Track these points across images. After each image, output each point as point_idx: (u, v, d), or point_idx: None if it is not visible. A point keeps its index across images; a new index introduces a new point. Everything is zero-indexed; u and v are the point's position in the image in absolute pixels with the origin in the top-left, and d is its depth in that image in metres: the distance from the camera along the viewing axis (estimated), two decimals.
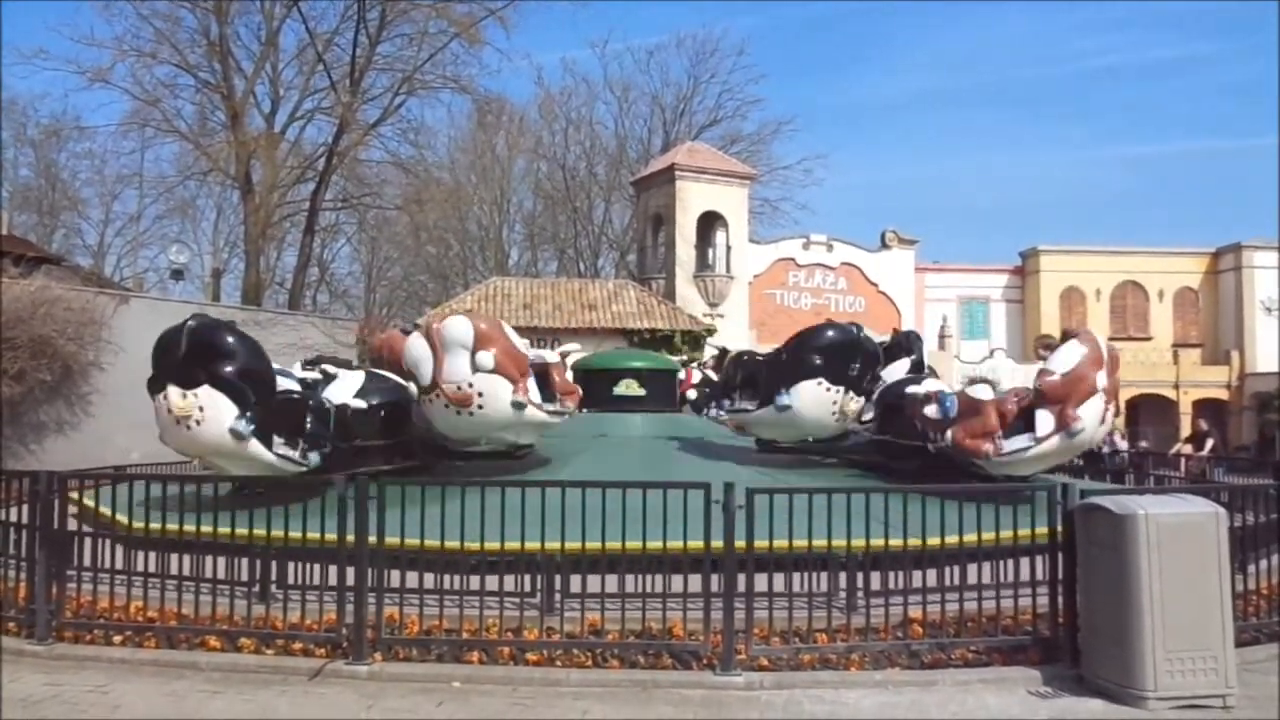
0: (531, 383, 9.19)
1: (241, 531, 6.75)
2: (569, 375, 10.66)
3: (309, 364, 10.36)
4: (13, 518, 7.30)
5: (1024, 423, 8.67)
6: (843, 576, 6.84)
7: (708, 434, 12.01)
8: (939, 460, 9.08)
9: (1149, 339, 38.03)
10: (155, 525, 7.15)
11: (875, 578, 6.79)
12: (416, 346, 9.09)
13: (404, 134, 32.17)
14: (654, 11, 74.77)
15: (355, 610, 6.30)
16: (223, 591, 6.92)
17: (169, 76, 29.14)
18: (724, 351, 12.09)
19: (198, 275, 43.08)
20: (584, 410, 11.32)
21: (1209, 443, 19.43)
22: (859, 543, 6.59)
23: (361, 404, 9.19)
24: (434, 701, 5.81)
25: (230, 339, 8.20)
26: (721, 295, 33.36)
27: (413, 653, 6.38)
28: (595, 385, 11.94)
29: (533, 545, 6.64)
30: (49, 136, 40.55)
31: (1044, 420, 8.53)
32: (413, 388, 9.34)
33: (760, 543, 6.36)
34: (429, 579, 6.84)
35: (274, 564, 6.95)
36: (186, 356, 7.97)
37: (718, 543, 6.24)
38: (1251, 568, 7.36)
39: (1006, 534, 6.85)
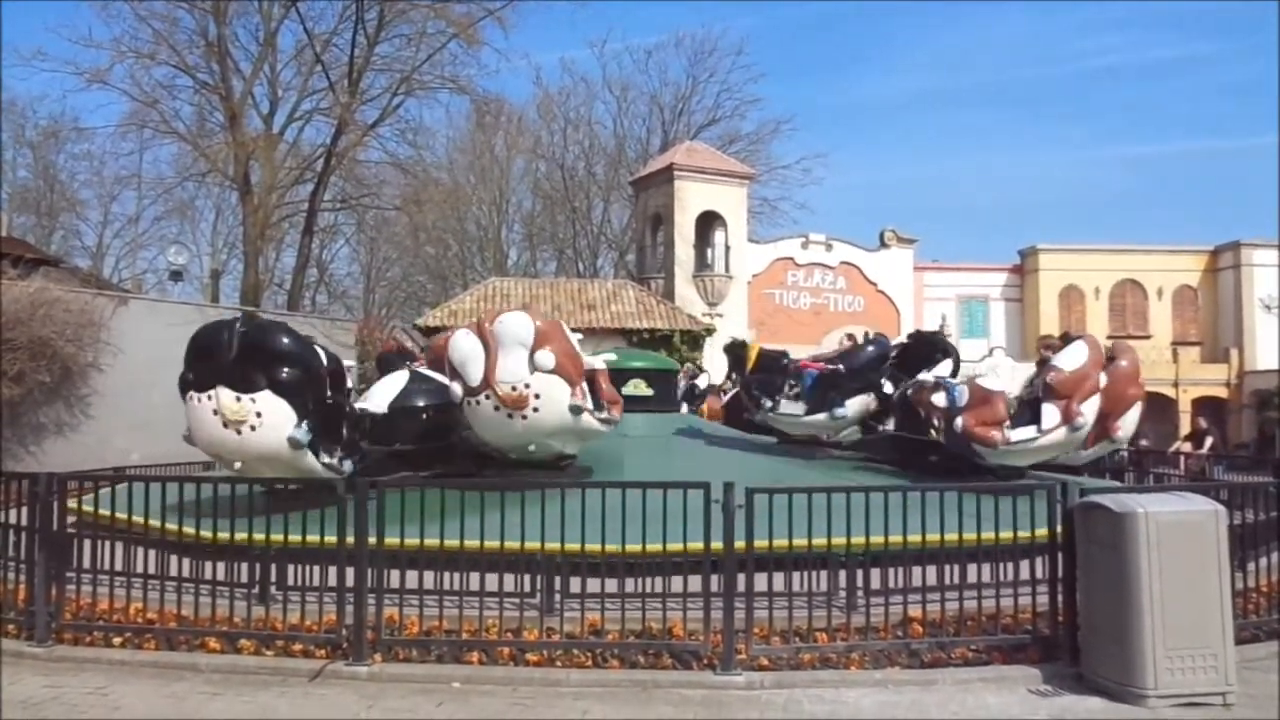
0: (585, 388, 8.78)
1: (241, 535, 6.75)
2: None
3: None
4: (12, 520, 7.30)
5: (1029, 415, 9.13)
6: (843, 575, 6.85)
7: (706, 430, 12.47)
8: (948, 454, 9.53)
9: (1148, 337, 37.95)
10: (155, 524, 7.16)
11: (875, 577, 6.80)
12: (465, 343, 8.51)
13: (402, 134, 32.17)
14: (653, 11, 74.86)
15: (355, 611, 6.30)
16: (222, 593, 6.92)
17: (167, 77, 29.14)
18: (741, 343, 12.21)
19: (196, 276, 43.16)
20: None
21: (1208, 441, 19.41)
22: (859, 541, 6.59)
23: (382, 410, 8.65)
24: (434, 702, 5.81)
25: (287, 340, 7.83)
26: (720, 295, 33.38)
27: (412, 653, 6.38)
28: None
29: (533, 545, 6.65)
30: (47, 138, 40.65)
31: (1050, 413, 8.98)
32: (455, 389, 8.66)
33: (760, 542, 6.36)
34: (429, 579, 6.84)
35: (273, 565, 6.93)
36: (239, 358, 7.62)
37: (717, 544, 6.23)
38: (1251, 565, 7.37)
39: (1006, 533, 6.86)
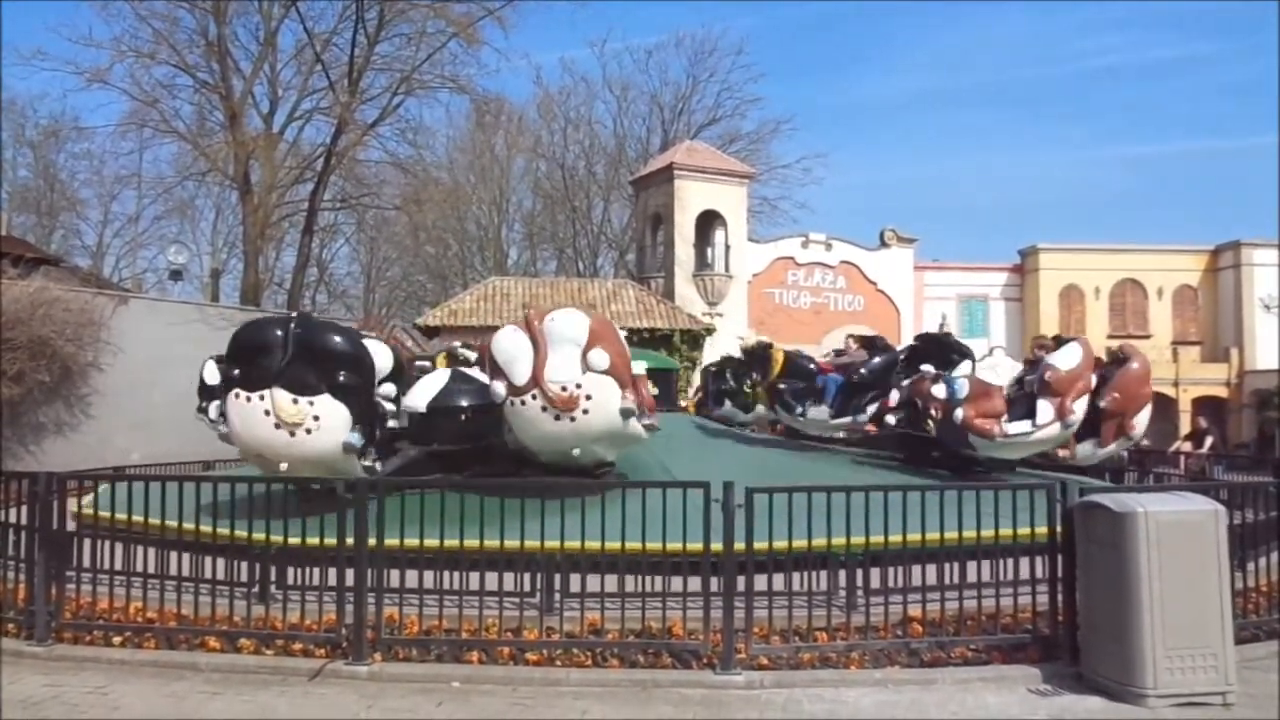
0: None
1: (241, 533, 6.75)
2: None
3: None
4: (12, 519, 7.30)
5: (1024, 410, 9.52)
6: (842, 575, 6.85)
7: (708, 427, 12.96)
8: (946, 449, 10.01)
9: (1148, 337, 37.91)
10: (155, 522, 7.15)
11: (875, 576, 6.80)
12: (511, 340, 8.15)
13: (402, 134, 32.12)
14: (653, 11, 74.80)
15: (355, 610, 6.30)
16: (222, 592, 6.92)
17: (167, 77, 29.10)
18: (766, 345, 12.53)
19: (196, 276, 43.22)
20: None
21: (1208, 440, 19.41)
22: (858, 541, 6.58)
23: (420, 409, 8.31)
24: (434, 701, 5.81)
25: (344, 341, 7.63)
26: (720, 294, 33.35)
27: (412, 653, 6.38)
28: None
29: (532, 544, 6.64)
30: (47, 137, 40.70)
31: (1044, 409, 9.36)
32: (498, 388, 8.22)
33: (760, 542, 6.35)
34: (429, 579, 6.84)
35: (273, 565, 6.93)
36: (295, 359, 7.42)
37: (717, 545, 6.23)
38: (1251, 565, 7.37)
39: (1006, 532, 6.86)
